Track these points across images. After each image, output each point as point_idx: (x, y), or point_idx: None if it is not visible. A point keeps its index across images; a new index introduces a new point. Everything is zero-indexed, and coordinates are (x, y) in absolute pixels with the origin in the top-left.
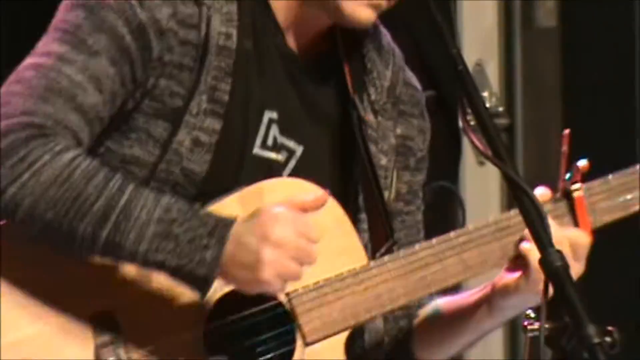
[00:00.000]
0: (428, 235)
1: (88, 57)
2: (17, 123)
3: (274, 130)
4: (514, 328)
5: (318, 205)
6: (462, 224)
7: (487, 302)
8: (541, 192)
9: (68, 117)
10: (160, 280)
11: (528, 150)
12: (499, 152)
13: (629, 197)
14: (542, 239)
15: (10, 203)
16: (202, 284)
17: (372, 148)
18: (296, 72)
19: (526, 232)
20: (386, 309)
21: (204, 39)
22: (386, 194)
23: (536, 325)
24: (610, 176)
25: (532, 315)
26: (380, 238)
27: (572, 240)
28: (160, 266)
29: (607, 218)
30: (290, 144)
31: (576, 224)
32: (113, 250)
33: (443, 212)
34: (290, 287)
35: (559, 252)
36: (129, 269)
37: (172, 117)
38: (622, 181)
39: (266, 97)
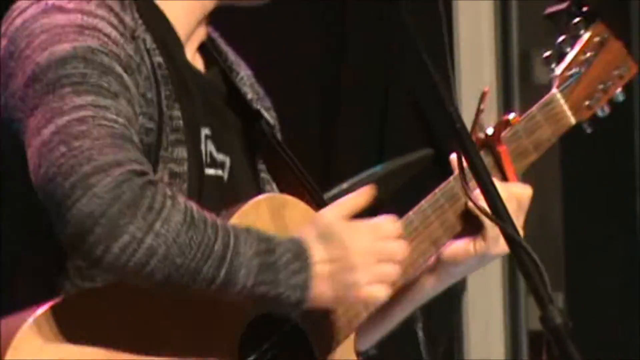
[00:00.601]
0: None
1: (114, 101)
2: (121, 174)
3: (210, 147)
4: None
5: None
6: (464, 282)
7: (435, 273)
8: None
9: (144, 161)
10: (195, 317)
11: (528, 208)
12: (498, 210)
13: (536, 137)
14: (542, 297)
15: (146, 253)
16: (296, 307)
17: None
18: (205, 87)
19: (476, 192)
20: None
21: (152, 71)
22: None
23: None
24: (516, 125)
25: None
26: None
27: (517, 196)
28: (262, 297)
29: (526, 162)
30: (221, 157)
31: (504, 176)
32: (227, 287)
33: None
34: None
35: (559, 310)
36: (165, 308)
37: (149, 156)
38: (528, 125)
39: (197, 115)
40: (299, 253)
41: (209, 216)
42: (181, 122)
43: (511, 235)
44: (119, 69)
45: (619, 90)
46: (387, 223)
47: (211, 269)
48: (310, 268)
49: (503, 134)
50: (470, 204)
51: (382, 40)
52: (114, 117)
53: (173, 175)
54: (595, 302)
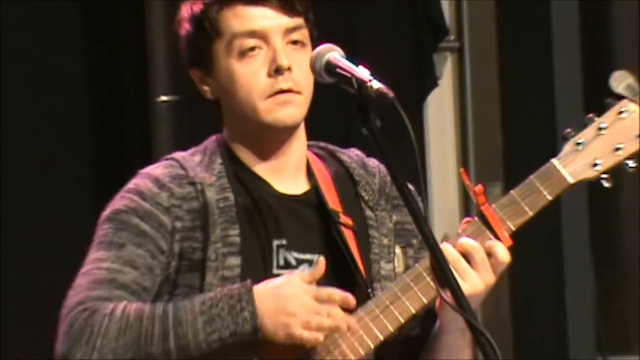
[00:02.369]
0: None
1: (118, 250)
2: (76, 312)
3: (283, 253)
4: None
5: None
6: None
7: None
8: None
9: (112, 294)
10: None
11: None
12: (462, 304)
13: (528, 201)
14: None
15: None
16: (253, 337)
17: (375, 234)
18: (290, 205)
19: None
20: (377, 342)
21: (203, 205)
22: (390, 265)
23: None
24: (512, 191)
25: None
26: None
27: (498, 257)
28: (220, 341)
29: (519, 221)
30: (307, 256)
31: (495, 235)
32: (183, 351)
33: None
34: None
35: None
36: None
37: (198, 268)
38: (522, 191)
39: (271, 230)
40: (241, 295)
41: (150, 310)
42: (237, 238)
43: (472, 323)
44: (135, 221)
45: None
46: (333, 291)
47: (160, 347)
48: (252, 304)
49: (502, 199)
50: (442, 296)
51: None
52: (107, 265)
53: (224, 279)
54: None
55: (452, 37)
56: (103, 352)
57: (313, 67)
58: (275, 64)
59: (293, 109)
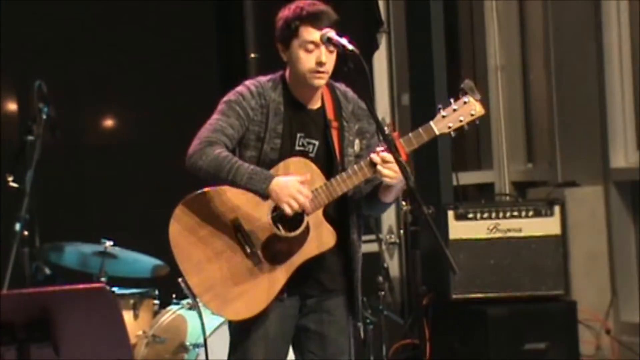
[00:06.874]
0: None
1: (227, 118)
2: (201, 142)
3: (302, 140)
4: None
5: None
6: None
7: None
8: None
9: (220, 138)
10: (255, 199)
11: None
12: (402, 167)
13: (420, 139)
14: (414, 190)
15: (201, 166)
16: (265, 193)
17: (346, 133)
18: (309, 114)
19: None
20: (334, 196)
21: (267, 112)
22: (353, 151)
23: None
24: (409, 134)
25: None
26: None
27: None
28: (250, 187)
29: (408, 149)
30: (313, 141)
31: (398, 153)
32: (233, 183)
33: None
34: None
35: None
36: (237, 202)
37: (260, 141)
38: (413, 135)
39: (297, 127)
40: (267, 176)
41: (229, 158)
42: (280, 129)
43: (405, 167)
44: (236, 108)
45: (472, 120)
46: (304, 188)
47: (224, 174)
48: (270, 182)
49: (401, 138)
50: (396, 160)
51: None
52: (221, 123)
53: (273, 149)
54: None
55: (385, 26)
56: (202, 164)
57: (321, 39)
58: (319, 60)
59: (322, 81)
